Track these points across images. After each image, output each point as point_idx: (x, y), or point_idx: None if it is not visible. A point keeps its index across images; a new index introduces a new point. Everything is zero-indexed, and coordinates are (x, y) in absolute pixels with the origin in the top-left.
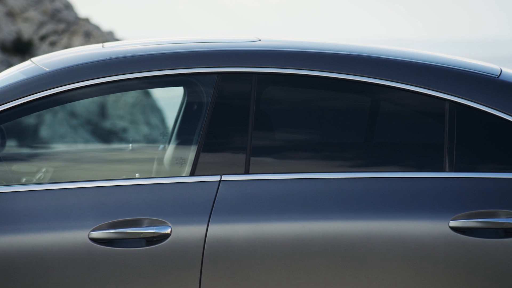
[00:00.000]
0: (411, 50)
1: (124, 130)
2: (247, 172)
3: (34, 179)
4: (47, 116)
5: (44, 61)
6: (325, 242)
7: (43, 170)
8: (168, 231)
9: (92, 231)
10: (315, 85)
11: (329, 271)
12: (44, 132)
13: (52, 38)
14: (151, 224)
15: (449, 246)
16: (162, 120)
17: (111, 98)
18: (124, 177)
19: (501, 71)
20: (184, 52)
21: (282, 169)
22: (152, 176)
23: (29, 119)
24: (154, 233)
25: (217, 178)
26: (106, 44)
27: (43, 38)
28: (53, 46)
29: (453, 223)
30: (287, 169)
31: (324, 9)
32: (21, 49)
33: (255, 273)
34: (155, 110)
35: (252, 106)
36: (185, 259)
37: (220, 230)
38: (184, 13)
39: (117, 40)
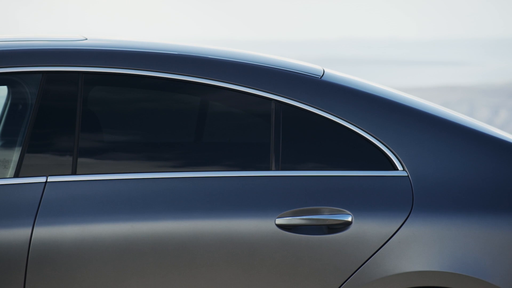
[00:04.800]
0: (238, 51)
1: None
2: (74, 173)
3: None
4: None
5: None
6: (154, 242)
7: None
8: None
9: None
10: (144, 85)
11: (158, 270)
12: None
13: None
14: None
15: (275, 243)
16: None
17: None
18: None
19: (323, 71)
20: (6, 50)
21: (110, 169)
22: None
23: None
24: None
25: (42, 179)
26: None
27: None
28: None
29: (279, 221)
30: (115, 170)
31: (160, 10)
32: None
33: (82, 275)
34: None
35: (79, 106)
36: (9, 264)
37: (46, 232)
38: (12, 11)
39: None
